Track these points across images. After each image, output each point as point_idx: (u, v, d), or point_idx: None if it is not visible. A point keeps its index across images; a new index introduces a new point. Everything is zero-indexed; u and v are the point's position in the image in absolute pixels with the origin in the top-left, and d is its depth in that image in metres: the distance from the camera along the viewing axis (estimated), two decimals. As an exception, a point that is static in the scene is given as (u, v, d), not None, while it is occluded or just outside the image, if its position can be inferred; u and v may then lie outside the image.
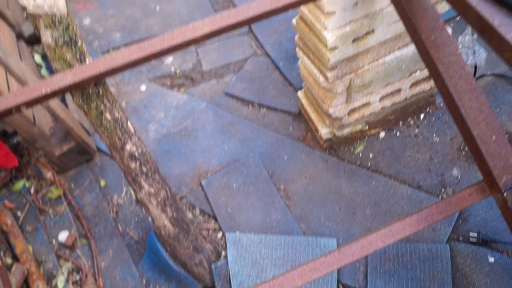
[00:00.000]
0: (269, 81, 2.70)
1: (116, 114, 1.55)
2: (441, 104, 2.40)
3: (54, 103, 2.24)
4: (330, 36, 1.73)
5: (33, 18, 1.31)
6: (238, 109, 2.63)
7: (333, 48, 1.78)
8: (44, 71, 2.97)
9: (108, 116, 1.52)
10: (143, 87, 2.84)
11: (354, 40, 1.81)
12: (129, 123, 1.61)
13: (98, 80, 1.42)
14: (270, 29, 2.91)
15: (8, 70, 2.02)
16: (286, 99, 2.59)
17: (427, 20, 1.47)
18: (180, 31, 1.40)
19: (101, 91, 1.48)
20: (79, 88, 1.43)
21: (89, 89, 1.45)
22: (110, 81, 2.92)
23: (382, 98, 2.20)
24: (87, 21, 3.37)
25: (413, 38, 1.51)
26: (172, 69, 2.93)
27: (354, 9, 1.71)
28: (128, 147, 1.60)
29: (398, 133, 2.36)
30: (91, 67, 1.38)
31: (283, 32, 2.89)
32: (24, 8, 1.31)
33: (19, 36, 3.01)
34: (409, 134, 2.35)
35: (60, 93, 1.37)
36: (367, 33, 1.82)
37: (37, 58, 3.05)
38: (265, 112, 2.58)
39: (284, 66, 2.71)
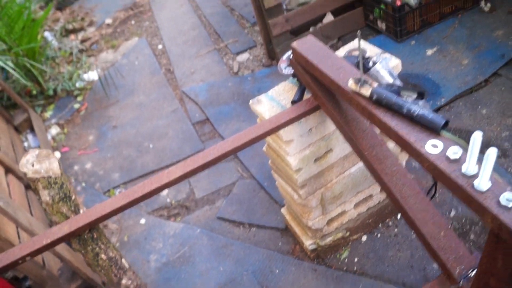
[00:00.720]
0: (256, 201, 2.92)
1: (111, 254, 1.75)
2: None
3: (59, 245, 2.44)
4: (293, 160, 1.98)
5: (32, 181, 1.56)
6: (231, 231, 2.82)
7: (298, 170, 2.02)
8: (51, 217, 3.20)
9: (103, 256, 1.72)
10: (142, 221, 3.07)
11: (316, 160, 2.05)
12: (123, 260, 1.80)
13: (92, 226, 1.64)
14: (253, 153, 3.18)
15: (17, 223, 2.26)
16: (273, 216, 2.79)
17: (367, 139, 1.72)
18: (157, 178, 1.65)
19: (95, 235, 1.69)
20: (76, 235, 1.65)
21: (85, 235, 1.66)
22: (112, 218, 3.14)
23: (356, 205, 2.40)
24: (88, 165, 3.68)
25: (358, 155, 1.75)
26: (168, 200, 3.17)
27: (310, 134, 1.97)
28: (124, 281, 1.78)
29: (379, 235, 2.53)
30: (85, 216, 1.61)
31: (265, 154, 3.16)
32: (24, 174, 1.56)
33: (27, 186, 3.29)
34: (389, 235, 2.51)
35: (59, 242, 1.59)
36: (327, 152, 2.07)
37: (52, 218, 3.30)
38: (255, 231, 2.77)
39: (268, 186, 2.95)
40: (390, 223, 2.56)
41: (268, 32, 3.92)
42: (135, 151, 3.66)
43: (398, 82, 1.87)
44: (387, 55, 2.11)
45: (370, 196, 2.42)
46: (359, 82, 1.50)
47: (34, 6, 4.97)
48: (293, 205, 2.38)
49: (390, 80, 1.85)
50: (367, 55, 2.14)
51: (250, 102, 2.07)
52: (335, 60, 1.68)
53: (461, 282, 1.56)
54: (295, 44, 1.80)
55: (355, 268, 2.42)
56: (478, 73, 3.25)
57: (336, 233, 2.43)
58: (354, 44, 2.25)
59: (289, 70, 1.98)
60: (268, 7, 3.72)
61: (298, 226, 2.53)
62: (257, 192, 2.98)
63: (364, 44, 2.23)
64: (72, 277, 2.60)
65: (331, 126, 2.01)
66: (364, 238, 2.53)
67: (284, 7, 4.52)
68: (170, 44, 5.00)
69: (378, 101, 1.46)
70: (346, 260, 2.47)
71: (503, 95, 3.05)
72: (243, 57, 4.39)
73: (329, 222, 2.38)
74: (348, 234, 2.47)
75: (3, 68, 4.02)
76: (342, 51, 2.21)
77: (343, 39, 4.11)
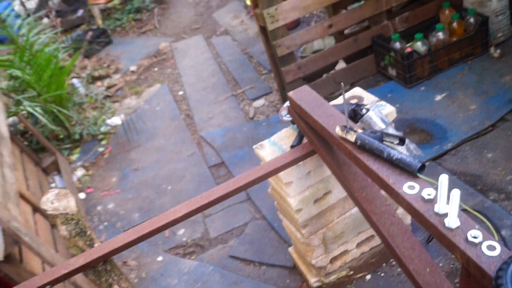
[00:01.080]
0: (267, 241, 3.05)
1: (123, 285, 1.90)
2: (418, 243, 2.68)
3: (80, 279, 2.61)
4: (293, 201, 2.12)
5: (51, 217, 1.74)
6: (242, 268, 2.95)
7: (298, 210, 2.16)
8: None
9: (116, 287, 1.88)
10: (159, 258, 3.23)
11: (315, 201, 2.19)
12: (134, 292, 1.95)
13: (105, 259, 1.80)
14: (265, 195, 3.33)
15: (40, 257, 2.44)
16: (282, 255, 2.91)
17: (358, 181, 1.86)
18: (164, 216, 1.81)
19: (108, 267, 1.85)
20: (90, 267, 1.80)
21: (99, 267, 1.82)
22: (131, 255, 3.31)
23: (359, 245, 2.51)
24: (111, 205, 3.88)
25: (350, 196, 1.88)
26: (184, 239, 3.33)
27: (308, 177, 2.12)
28: (134, 313, 1.93)
29: (382, 274, 2.62)
30: (99, 250, 1.77)
31: (275, 196, 3.31)
32: (45, 210, 1.74)
33: (54, 225, 3.49)
34: (393, 274, 2.60)
35: (75, 273, 1.75)
36: (326, 194, 2.21)
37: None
38: (265, 269, 2.89)
39: (278, 226, 3.08)
40: (394, 263, 2.65)
41: (282, 79, 4.12)
42: (154, 192, 3.85)
43: (391, 129, 2.02)
44: (382, 102, 2.26)
45: (372, 236, 2.52)
46: (345, 129, 1.66)
47: (62, 54, 5.29)
48: (298, 244, 2.50)
49: (382, 126, 2.00)
50: (364, 102, 2.31)
51: (254, 147, 2.24)
52: (327, 108, 1.85)
53: (445, 316, 1.66)
54: (291, 93, 1.98)
55: (358, 306, 2.52)
56: (485, 118, 3.34)
57: (339, 271, 2.53)
58: (352, 92, 2.42)
59: (288, 117, 2.14)
60: (281, 55, 3.91)
61: (304, 264, 2.64)
62: (267, 232, 3.11)
63: (362, 93, 2.40)
64: (91, 310, 2.76)
65: (328, 170, 2.15)
66: (369, 277, 2.63)
67: (299, 54, 4.74)
68: (190, 90, 5.25)
69: (362, 146, 1.60)
70: (350, 298, 2.57)
71: (509, 139, 3.14)
72: (259, 103, 4.59)
73: (332, 260, 2.49)
74: (352, 272, 2.57)
75: (32, 114, 4.30)
76: (340, 99, 2.37)
77: (355, 85, 4.26)
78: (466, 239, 1.27)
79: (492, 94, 3.54)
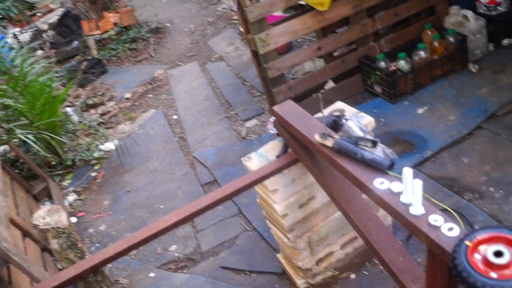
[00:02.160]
0: (257, 250, 3.17)
1: (114, 294, 2.00)
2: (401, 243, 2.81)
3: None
4: (279, 207, 2.25)
5: (43, 232, 1.85)
6: (233, 278, 3.06)
7: (284, 215, 2.28)
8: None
9: (107, 297, 1.98)
10: (152, 274, 3.31)
11: (300, 206, 2.32)
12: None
13: (95, 269, 1.89)
14: (256, 208, 3.44)
15: (31, 277, 2.47)
16: (272, 263, 3.02)
17: (337, 183, 1.99)
18: (152, 226, 1.92)
19: (99, 278, 1.95)
20: (81, 278, 1.89)
21: (89, 278, 1.92)
22: (123, 273, 3.38)
23: (343, 246, 2.64)
24: (103, 227, 3.96)
25: (330, 197, 2.02)
26: (176, 254, 3.42)
27: (293, 184, 2.25)
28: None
29: (366, 273, 2.76)
30: (89, 261, 1.86)
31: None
32: (36, 226, 1.85)
33: (44, 249, 3.52)
34: (375, 272, 2.73)
35: (67, 284, 1.82)
36: (310, 199, 2.34)
37: (60, 266, 3.56)
38: (255, 277, 3.01)
39: (269, 236, 3.18)
40: (377, 261, 2.75)
41: (273, 100, 4.25)
42: (147, 212, 3.95)
43: (369, 136, 2.16)
44: (362, 114, 2.42)
45: (356, 237, 2.64)
46: (324, 136, 1.80)
47: (56, 84, 5.40)
48: (285, 248, 2.62)
49: (361, 134, 2.13)
50: (345, 113, 2.46)
51: (242, 159, 2.37)
52: (308, 120, 2.00)
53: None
54: (276, 107, 2.13)
55: (343, 304, 2.63)
56: (463, 127, 3.52)
57: (325, 272, 2.65)
58: (335, 106, 2.57)
59: (274, 130, 2.29)
60: (272, 77, 4.05)
61: (292, 268, 2.75)
62: (258, 242, 3.22)
63: (344, 106, 2.55)
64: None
65: (311, 177, 2.28)
66: (353, 276, 2.75)
67: (291, 76, 4.90)
68: (184, 114, 5.38)
69: (339, 150, 1.75)
70: (336, 296, 2.68)
71: (484, 145, 3.33)
72: (251, 123, 4.72)
73: (318, 262, 2.60)
74: (337, 273, 2.69)
75: (24, 142, 4.37)
76: (325, 112, 2.52)
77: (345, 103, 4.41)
78: (429, 223, 1.41)
79: (470, 105, 3.72)
